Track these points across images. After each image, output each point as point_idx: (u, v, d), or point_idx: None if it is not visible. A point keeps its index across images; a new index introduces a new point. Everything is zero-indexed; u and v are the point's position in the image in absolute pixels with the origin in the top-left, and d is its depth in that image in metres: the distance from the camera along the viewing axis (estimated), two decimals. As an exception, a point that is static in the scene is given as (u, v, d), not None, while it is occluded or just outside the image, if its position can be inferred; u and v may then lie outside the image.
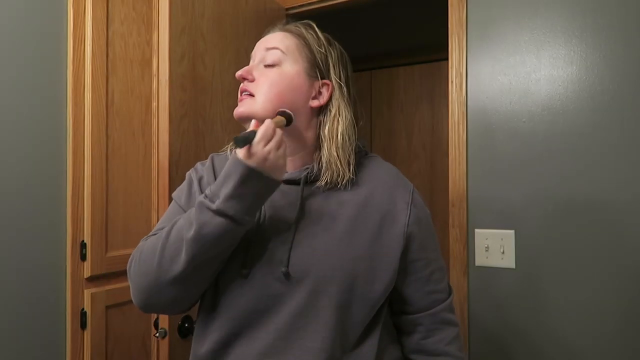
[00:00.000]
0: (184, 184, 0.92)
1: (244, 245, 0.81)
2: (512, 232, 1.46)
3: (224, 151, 0.96)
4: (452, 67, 1.56)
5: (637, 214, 1.32)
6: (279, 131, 0.75)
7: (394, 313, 0.94)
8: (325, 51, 0.90)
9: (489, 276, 1.50)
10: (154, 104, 1.66)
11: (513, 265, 1.46)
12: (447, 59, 1.60)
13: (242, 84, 0.88)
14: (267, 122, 0.75)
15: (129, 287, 1.60)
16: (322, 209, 0.84)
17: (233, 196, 0.72)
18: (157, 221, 1.61)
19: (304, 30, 0.90)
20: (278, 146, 0.74)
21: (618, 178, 1.34)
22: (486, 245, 1.49)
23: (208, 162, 0.94)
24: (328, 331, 0.79)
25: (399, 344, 0.94)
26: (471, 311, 1.52)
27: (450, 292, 0.94)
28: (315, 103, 0.88)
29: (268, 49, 0.87)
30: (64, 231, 1.44)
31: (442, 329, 0.91)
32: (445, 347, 0.90)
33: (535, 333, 1.43)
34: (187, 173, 0.94)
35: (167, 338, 1.33)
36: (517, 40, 1.47)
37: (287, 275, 0.79)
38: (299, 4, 1.90)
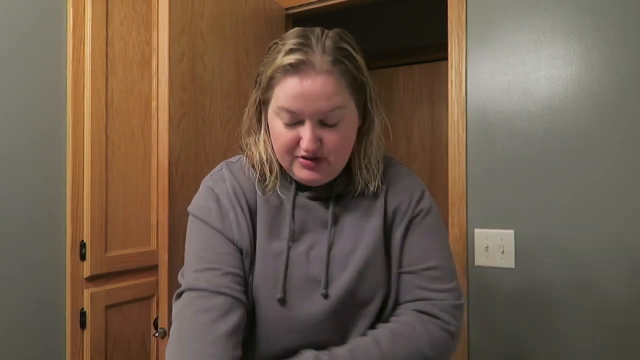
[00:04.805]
0: (209, 200, 0.83)
1: (277, 269, 0.79)
2: (511, 232, 1.46)
3: (234, 160, 0.90)
4: (451, 67, 1.56)
5: (637, 213, 1.32)
6: None
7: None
8: (364, 75, 0.81)
9: (488, 276, 1.50)
10: (154, 103, 1.66)
11: (512, 265, 1.46)
12: (446, 58, 1.60)
13: (305, 152, 0.76)
14: None
15: (128, 286, 1.59)
16: (352, 223, 0.83)
17: None
18: (157, 222, 1.61)
19: (351, 67, 0.77)
20: None
21: (618, 178, 1.34)
22: (486, 245, 1.49)
23: (227, 174, 0.86)
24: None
25: None
26: (471, 311, 1.52)
27: (451, 294, 0.84)
28: (359, 123, 0.84)
29: (327, 111, 0.75)
30: (64, 231, 1.44)
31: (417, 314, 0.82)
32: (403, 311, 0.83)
33: (535, 333, 1.43)
34: (206, 186, 0.86)
35: (166, 338, 1.33)
36: (516, 40, 1.47)
37: (326, 296, 0.78)
38: (299, 4, 1.90)
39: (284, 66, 0.74)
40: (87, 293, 1.46)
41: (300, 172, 0.79)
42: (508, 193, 1.47)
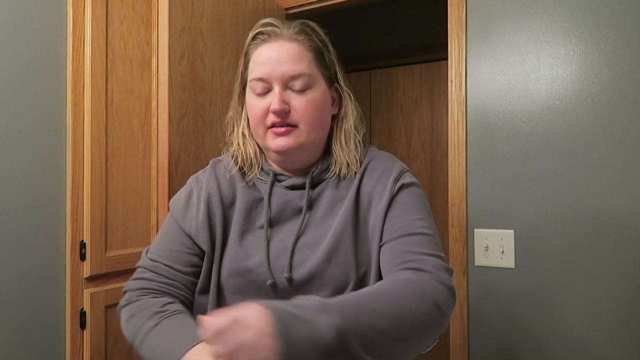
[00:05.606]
0: (183, 194, 0.90)
1: (247, 258, 0.83)
2: (511, 231, 1.46)
3: (222, 158, 0.94)
4: (451, 67, 1.56)
5: (636, 213, 1.32)
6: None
7: None
8: (332, 55, 0.89)
9: (488, 276, 1.50)
10: (154, 103, 1.66)
11: (512, 265, 1.46)
12: (446, 58, 1.60)
13: (275, 117, 0.81)
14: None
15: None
16: (325, 210, 0.85)
17: None
18: (157, 221, 1.61)
19: (315, 39, 0.86)
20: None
21: (617, 177, 1.34)
22: (485, 245, 1.49)
23: (209, 170, 0.91)
24: None
25: None
26: (470, 311, 1.52)
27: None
28: (334, 110, 0.90)
29: (294, 76, 0.82)
30: (64, 231, 1.43)
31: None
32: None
33: (535, 333, 1.43)
34: (188, 180, 0.92)
35: (166, 338, 1.33)
36: (516, 40, 1.47)
37: (290, 280, 0.80)
38: (299, 4, 1.90)
39: (254, 37, 0.85)
40: (87, 293, 1.46)
41: (273, 142, 0.83)
42: (508, 193, 1.47)
